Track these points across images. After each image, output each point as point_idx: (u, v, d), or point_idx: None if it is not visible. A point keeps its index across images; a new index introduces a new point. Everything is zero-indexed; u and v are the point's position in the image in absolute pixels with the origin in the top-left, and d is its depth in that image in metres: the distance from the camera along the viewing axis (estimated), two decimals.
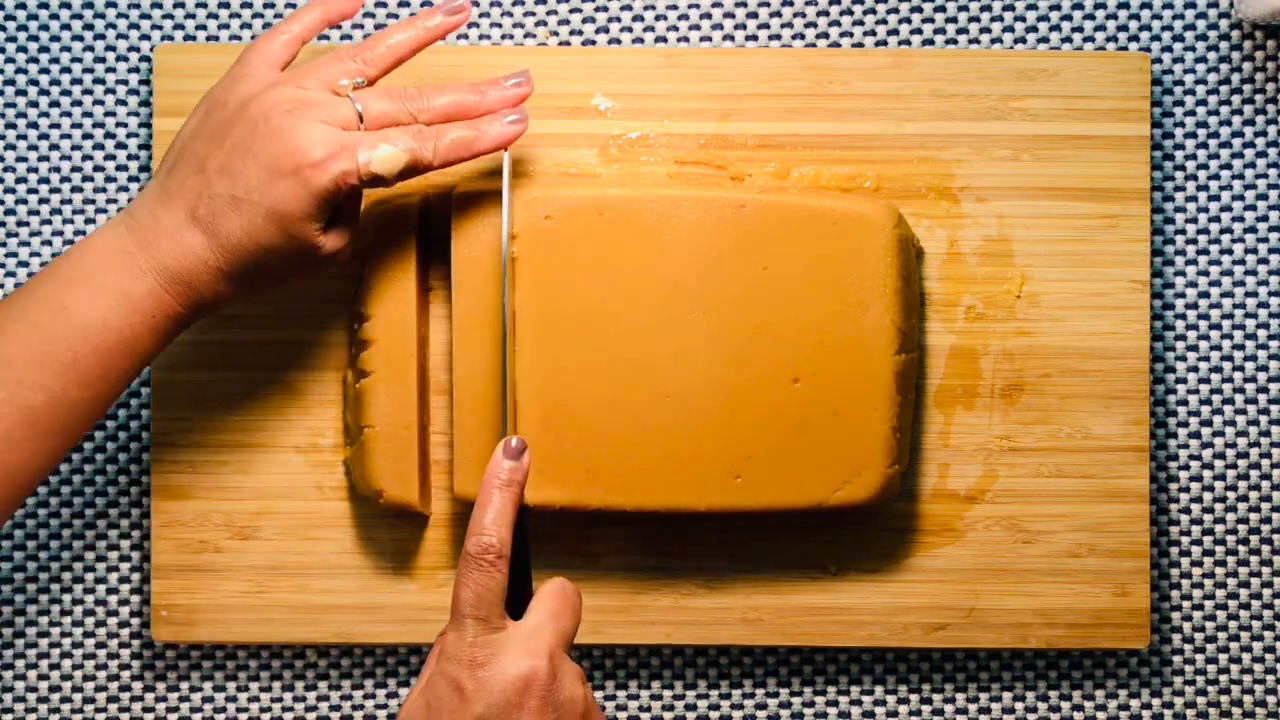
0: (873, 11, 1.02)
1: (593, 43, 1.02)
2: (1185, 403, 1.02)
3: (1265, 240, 1.02)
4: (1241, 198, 1.02)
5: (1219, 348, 1.02)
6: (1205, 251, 1.02)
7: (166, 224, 0.88)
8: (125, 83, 1.02)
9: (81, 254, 0.88)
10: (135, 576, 1.02)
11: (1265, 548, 1.01)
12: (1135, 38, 1.02)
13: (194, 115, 0.90)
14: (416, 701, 0.85)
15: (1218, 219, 1.02)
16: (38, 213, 1.02)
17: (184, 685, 1.02)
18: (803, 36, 1.02)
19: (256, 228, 0.87)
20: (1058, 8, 1.02)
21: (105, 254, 0.88)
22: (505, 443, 0.88)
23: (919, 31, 1.02)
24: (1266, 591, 1.02)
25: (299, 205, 0.87)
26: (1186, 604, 1.02)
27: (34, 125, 1.02)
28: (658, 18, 1.02)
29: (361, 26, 1.02)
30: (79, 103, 1.02)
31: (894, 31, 1.02)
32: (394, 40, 0.92)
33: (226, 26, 1.02)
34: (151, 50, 1.02)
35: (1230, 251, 1.02)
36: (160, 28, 1.02)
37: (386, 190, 0.97)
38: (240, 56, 0.91)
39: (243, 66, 0.91)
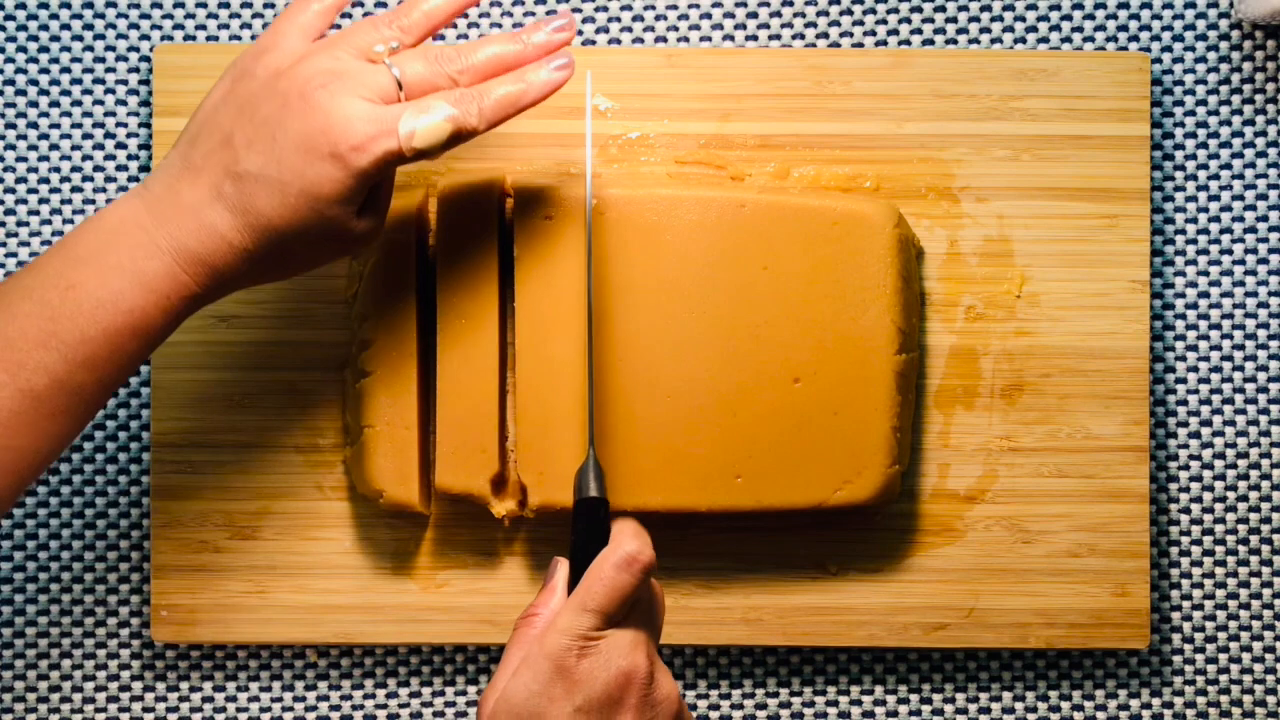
0: (873, 11, 1.02)
1: (593, 43, 1.02)
2: (1185, 403, 1.02)
3: (1265, 240, 1.02)
4: (1241, 198, 1.02)
5: (1219, 348, 1.02)
6: (1205, 251, 1.02)
7: (189, 200, 0.83)
8: (125, 83, 1.02)
9: (94, 230, 0.83)
10: (135, 576, 1.02)
11: (1265, 548, 1.01)
12: (1135, 38, 1.02)
13: (219, 85, 0.86)
14: (523, 675, 0.82)
15: (1218, 219, 1.02)
16: (38, 213, 1.02)
17: (184, 685, 1.02)
18: (803, 36, 1.02)
19: (288, 208, 0.82)
20: (1058, 8, 1.02)
21: (119, 230, 0.83)
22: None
23: (919, 31, 1.02)
24: (1266, 591, 1.02)
25: (336, 188, 0.82)
26: (1186, 604, 1.02)
27: (34, 125, 1.02)
28: (658, 18, 1.02)
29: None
30: (79, 103, 1.02)
31: (894, 31, 1.02)
32: (430, 6, 0.87)
33: (226, 26, 1.02)
34: (151, 50, 1.02)
35: (1230, 251, 1.02)
36: (160, 28, 1.02)
37: None
38: (272, 25, 0.87)
39: (273, 35, 0.86)
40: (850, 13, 1.02)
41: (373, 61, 0.85)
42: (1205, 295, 1.02)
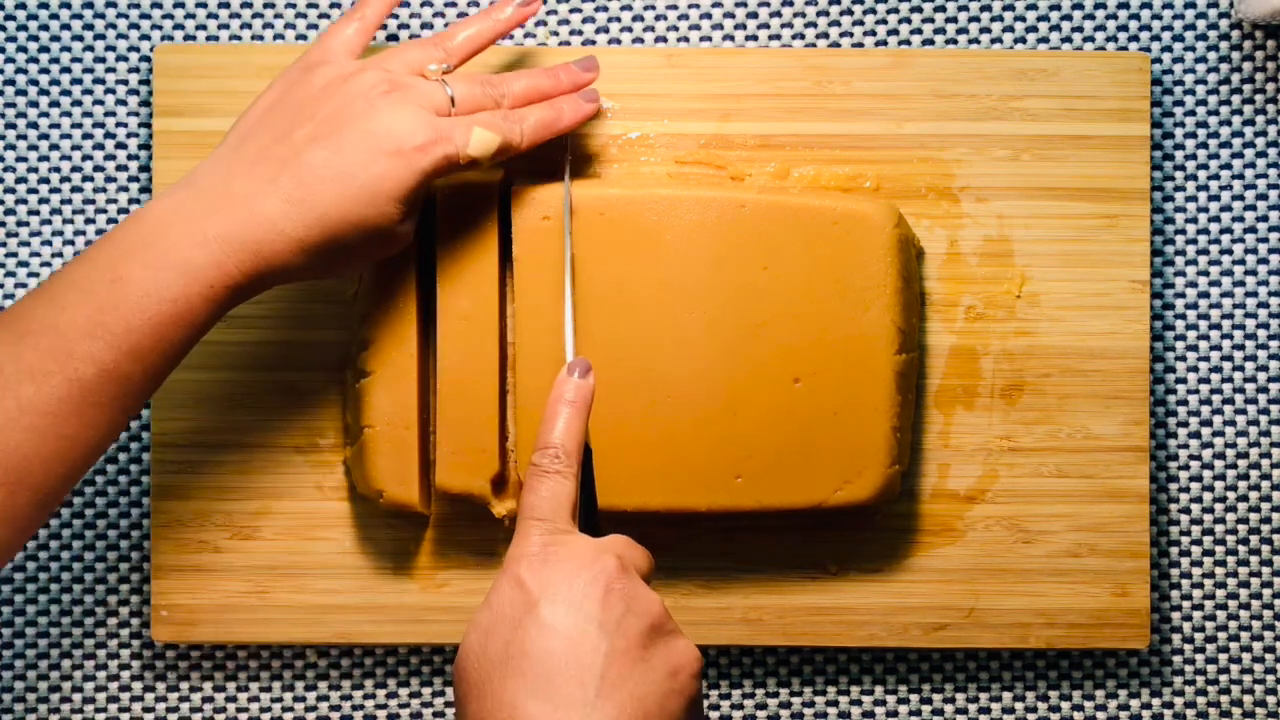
0: (873, 11, 1.02)
1: (593, 43, 1.02)
2: (1185, 403, 1.02)
3: (1265, 240, 1.02)
4: (1241, 198, 1.02)
5: (1219, 348, 1.02)
6: (1205, 251, 1.02)
7: (241, 190, 0.86)
8: (125, 83, 1.02)
9: (141, 222, 0.86)
10: (135, 576, 1.02)
11: (1265, 548, 1.01)
12: (1135, 38, 1.02)
13: (268, 93, 0.90)
14: (482, 613, 0.81)
15: (1218, 219, 1.02)
16: (38, 213, 1.02)
17: (184, 685, 1.02)
18: (803, 36, 1.02)
19: (349, 199, 0.86)
20: (1058, 8, 1.02)
21: (167, 222, 0.86)
22: (570, 365, 0.88)
23: (919, 31, 1.02)
24: (1266, 591, 1.02)
25: (397, 185, 0.87)
26: (1186, 604, 1.02)
27: (34, 125, 1.02)
28: (658, 18, 1.02)
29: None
30: (79, 103, 1.02)
31: (894, 31, 1.02)
32: (472, 31, 0.94)
33: (226, 26, 1.02)
34: (151, 50, 1.02)
35: (1230, 251, 1.02)
36: (160, 28, 1.02)
37: None
38: (316, 43, 0.93)
39: (320, 51, 0.92)
40: (850, 13, 1.02)
41: (425, 78, 0.91)
42: (1205, 295, 1.02)
